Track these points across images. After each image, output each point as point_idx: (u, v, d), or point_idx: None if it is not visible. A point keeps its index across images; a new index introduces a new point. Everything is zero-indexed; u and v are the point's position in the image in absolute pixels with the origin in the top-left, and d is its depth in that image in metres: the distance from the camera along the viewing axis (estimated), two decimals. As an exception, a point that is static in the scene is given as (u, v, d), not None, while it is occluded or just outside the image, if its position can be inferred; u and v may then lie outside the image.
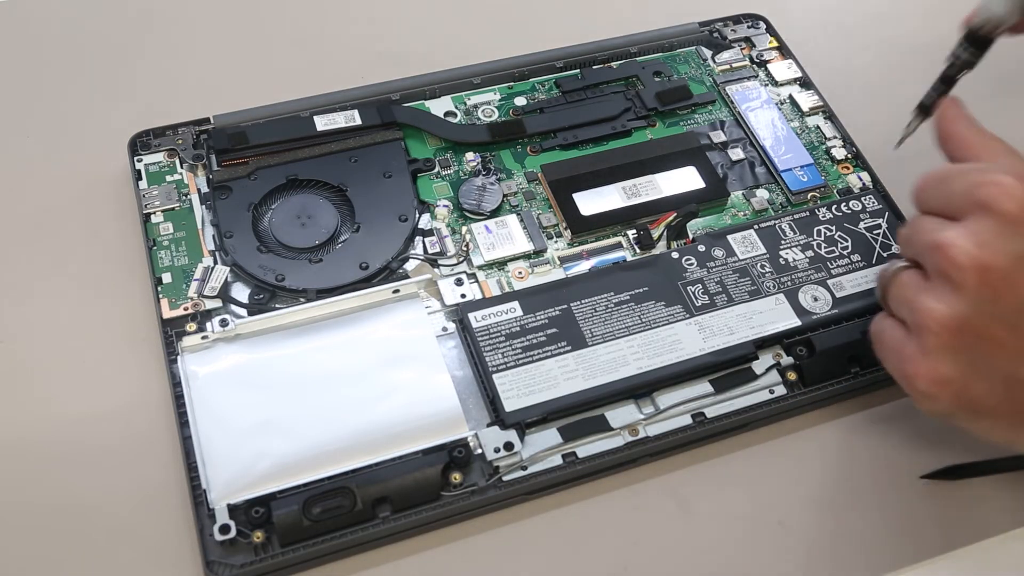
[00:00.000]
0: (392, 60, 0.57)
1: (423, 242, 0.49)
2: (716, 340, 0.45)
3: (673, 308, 0.46)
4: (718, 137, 0.55)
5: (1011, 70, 0.46)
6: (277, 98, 0.53)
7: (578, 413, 0.43)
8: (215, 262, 0.47)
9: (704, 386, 0.44)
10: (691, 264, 0.48)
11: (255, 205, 0.49)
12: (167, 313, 0.45)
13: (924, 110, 0.47)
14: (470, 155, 0.52)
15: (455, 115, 0.55)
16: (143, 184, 0.50)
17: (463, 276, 0.48)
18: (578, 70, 0.57)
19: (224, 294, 0.46)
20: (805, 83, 0.58)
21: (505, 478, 0.42)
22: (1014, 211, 0.37)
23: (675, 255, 0.48)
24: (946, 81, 0.47)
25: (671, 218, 0.50)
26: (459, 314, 0.46)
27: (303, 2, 0.63)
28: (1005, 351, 0.37)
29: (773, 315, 0.46)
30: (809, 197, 0.52)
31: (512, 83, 0.57)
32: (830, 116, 0.56)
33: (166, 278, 0.47)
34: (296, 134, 0.52)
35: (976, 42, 0.45)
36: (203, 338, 0.44)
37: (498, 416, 0.42)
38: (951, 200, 0.39)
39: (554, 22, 0.62)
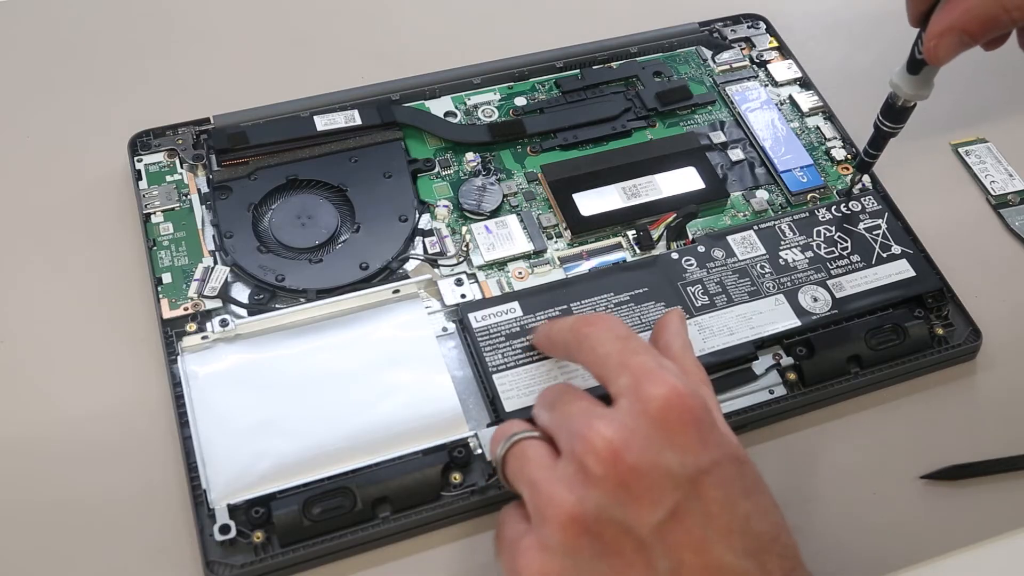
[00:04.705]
0: (392, 60, 0.57)
1: (423, 242, 0.49)
2: (716, 340, 0.45)
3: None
4: (718, 138, 0.55)
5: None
6: (277, 98, 0.54)
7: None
8: (215, 262, 0.47)
9: (704, 386, 0.44)
10: (691, 265, 0.48)
11: (255, 205, 0.49)
12: (167, 313, 0.45)
13: (863, 167, 0.49)
14: (470, 155, 0.52)
15: (455, 115, 0.55)
16: (143, 184, 0.50)
17: (463, 276, 0.48)
18: (578, 70, 0.57)
19: (224, 294, 0.46)
20: (805, 83, 0.58)
21: (505, 478, 0.42)
22: (599, 472, 0.33)
23: (675, 256, 0.48)
24: (875, 146, 0.48)
25: (671, 219, 0.50)
26: (459, 314, 0.46)
27: (303, 2, 0.63)
28: (629, 570, 0.33)
29: (773, 315, 0.46)
30: (809, 198, 0.52)
31: (512, 83, 0.57)
32: (830, 116, 0.56)
33: (166, 278, 0.47)
34: (296, 134, 0.52)
35: (893, 115, 0.46)
36: (203, 338, 0.45)
37: (498, 416, 0.42)
38: (556, 432, 0.36)
39: (554, 22, 0.62)
